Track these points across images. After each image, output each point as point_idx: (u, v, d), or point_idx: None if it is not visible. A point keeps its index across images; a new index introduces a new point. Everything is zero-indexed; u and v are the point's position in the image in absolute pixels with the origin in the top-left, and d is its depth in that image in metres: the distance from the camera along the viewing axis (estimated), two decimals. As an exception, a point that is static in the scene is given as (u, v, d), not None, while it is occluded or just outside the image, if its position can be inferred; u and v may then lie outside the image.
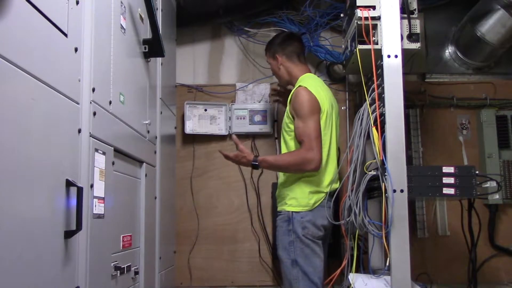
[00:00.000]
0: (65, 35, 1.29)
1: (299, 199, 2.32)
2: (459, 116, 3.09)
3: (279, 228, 2.37)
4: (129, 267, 1.81)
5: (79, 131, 1.37)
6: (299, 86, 2.36)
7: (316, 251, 2.30)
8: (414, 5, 2.20)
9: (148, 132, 2.17)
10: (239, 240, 3.00)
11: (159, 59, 2.39)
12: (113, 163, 1.65)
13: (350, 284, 2.10)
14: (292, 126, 2.38)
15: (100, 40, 1.54)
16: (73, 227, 1.28)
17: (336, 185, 2.39)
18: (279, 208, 2.41)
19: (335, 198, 2.36)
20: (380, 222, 1.97)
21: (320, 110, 2.34)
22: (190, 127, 3.01)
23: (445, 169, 1.99)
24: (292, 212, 2.31)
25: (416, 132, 3.00)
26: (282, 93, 2.93)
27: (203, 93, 3.11)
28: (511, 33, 2.74)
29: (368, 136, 2.09)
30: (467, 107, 3.09)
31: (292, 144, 2.40)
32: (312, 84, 2.37)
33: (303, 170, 2.30)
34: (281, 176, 2.46)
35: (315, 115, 2.31)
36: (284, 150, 2.46)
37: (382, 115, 2.03)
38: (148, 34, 2.11)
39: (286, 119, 2.43)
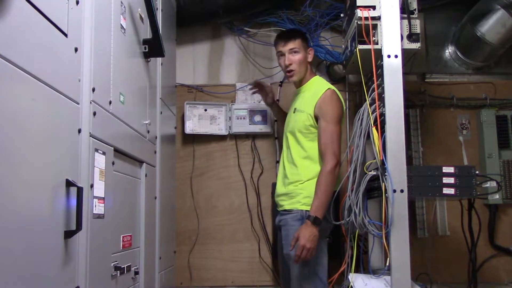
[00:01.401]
0: (65, 35, 1.29)
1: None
2: (459, 116, 3.09)
3: (289, 226, 2.31)
4: (129, 267, 1.81)
5: (79, 131, 1.37)
6: (328, 88, 2.35)
7: (324, 249, 2.30)
8: (414, 5, 2.20)
9: (148, 132, 2.17)
10: (239, 240, 3.00)
11: (159, 59, 2.39)
12: (113, 163, 1.65)
13: (350, 284, 2.10)
14: (313, 129, 2.35)
15: (100, 40, 1.54)
16: (73, 227, 1.28)
17: (336, 187, 2.38)
18: (288, 207, 2.36)
19: (336, 198, 2.35)
20: (380, 222, 1.97)
21: (342, 117, 2.37)
22: (190, 127, 3.01)
23: (445, 169, 2.00)
24: (306, 211, 2.27)
25: (416, 132, 3.00)
26: (262, 87, 2.80)
27: (203, 93, 3.11)
28: (511, 33, 2.75)
29: (368, 136, 2.09)
30: (467, 107, 3.09)
31: (308, 146, 2.36)
32: (336, 89, 2.39)
33: (336, 177, 2.27)
34: (292, 175, 2.39)
35: (340, 122, 2.33)
36: (296, 151, 2.40)
37: (382, 115, 2.03)
38: (148, 34, 2.11)
39: (305, 121, 2.36)
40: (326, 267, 2.30)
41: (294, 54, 2.43)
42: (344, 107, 2.40)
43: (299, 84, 2.51)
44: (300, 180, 2.36)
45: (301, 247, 2.16)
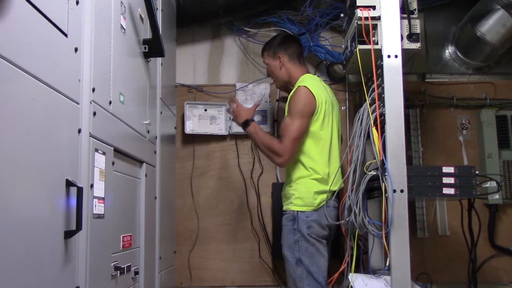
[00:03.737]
0: (65, 35, 1.29)
1: (305, 198, 2.33)
2: (459, 116, 3.09)
3: (284, 227, 2.38)
4: (129, 267, 1.81)
5: (79, 131, 1.37)
6: (299, 86, 2.38)
7: (321, 250, 2.31)
8: (414, 5, 2.20)
9: (148, 132, 2.17)
10: (239, 240, 3.00)
11: (159, 59, 2.39)
12: (113, 163, 1.65)
13: (350, 284, 2.10)
14: None
15: (100, 40, 1.54)
16: (73, 227, 1.28)
17: (339, 184, 2.39)
18: (284, 207, 2.42)
19: (336, 198, 2.36)
20: (380, 222, 1.97)
21: (312, 115, 2.36)
22: (190, 127, 3.01)
23: (445, 169, 1.99)
24: (297, 211, 2.33)
25: (416, 132, 3.00)
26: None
27: (203, 93, 3.11)
28: (511, 33, 2.74)
29: (368, 136, 2.09)
30: (467, 107, 3.09)
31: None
32: (313, 84, 2.39)
33: (270, 158, 2.43)
34: (288, 176, 2.47)
35: (305, 119, 2.34)
36: None
37: (382, 115, 2.03)
38: (148, 34, 2.11)
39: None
40: (324, 268, 2.31)
41: (267, 67, 2.63)
42: (322, 102, 2.38)
43: (291, 85, 2.54)
44: (292, 180, 2.42)
45: (233, 109, 2.53)
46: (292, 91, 2.42)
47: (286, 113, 2.44)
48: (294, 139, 2.32)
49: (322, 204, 2.32)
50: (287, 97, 2.53)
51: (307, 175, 2.37)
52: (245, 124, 2.49)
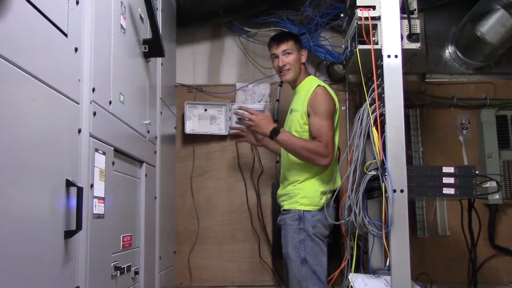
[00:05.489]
0: (65, 35, 1.29)
1: (311, 198, 2.34)
2: (459, 116, 3.09)
3: (288, 226, 2.35)
4: (129, 267, 1.81)
5: (79, 131, 1.37)
6: (318, 85, 2.39)
7: (324, 249, 2.33)
8: (414, 5, 2.20)
9: (148, 132, 2.17)
10: (239, 240, 3.00)
11: (159, 59, 2.39)
12: (113, 163, 1.65)
13: (350, 284, 2.10)
14: (306, 127, 2.39)
15: (100, 40, 1.54)
16: (73, 227, 1.28)
17: (337, 184, 2.40)
18: (287, 207, 2.40)
19: (335, 197, 2.36)
20: (380, 222, 1.97)
21: (335, 113, 2.39)
22: (190, 127, 3.01)
23: (445, 169, 1.99)
24: (304, 211, 2.32)
25: (416, 132, 3.00)
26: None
27: (203, 93, 3.11)
28: (511, 33, 2.75)
29: (368, 136, 2.09)
30: (467, 107, 3.09)
31: None
32: (327, 86, 2.43)
33: (314, 161, 2.31)
34: (291, 176, 2.44)
35: (332, 118, 2.36)
36: None
37: (382, 115, 2.03)
38: (148, 34, 2.11)
39: (300, 120, 2.40)
40: (326, 267, 2.32)
41: (288, 55, 2.47)
42: (337, 103, 2.42)
43: (294, 85, 2.54)
44: (298, 180, 2.40)
45: (251, 118, 2.36)
46: (310, 91, 2.39)
47: (302, 114, 2.39)
48: (332, 137, 2.33)
49: (325, 204, 2.33)
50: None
51: (314, 175, 2.37)
52: (274, 133, 2.33)
